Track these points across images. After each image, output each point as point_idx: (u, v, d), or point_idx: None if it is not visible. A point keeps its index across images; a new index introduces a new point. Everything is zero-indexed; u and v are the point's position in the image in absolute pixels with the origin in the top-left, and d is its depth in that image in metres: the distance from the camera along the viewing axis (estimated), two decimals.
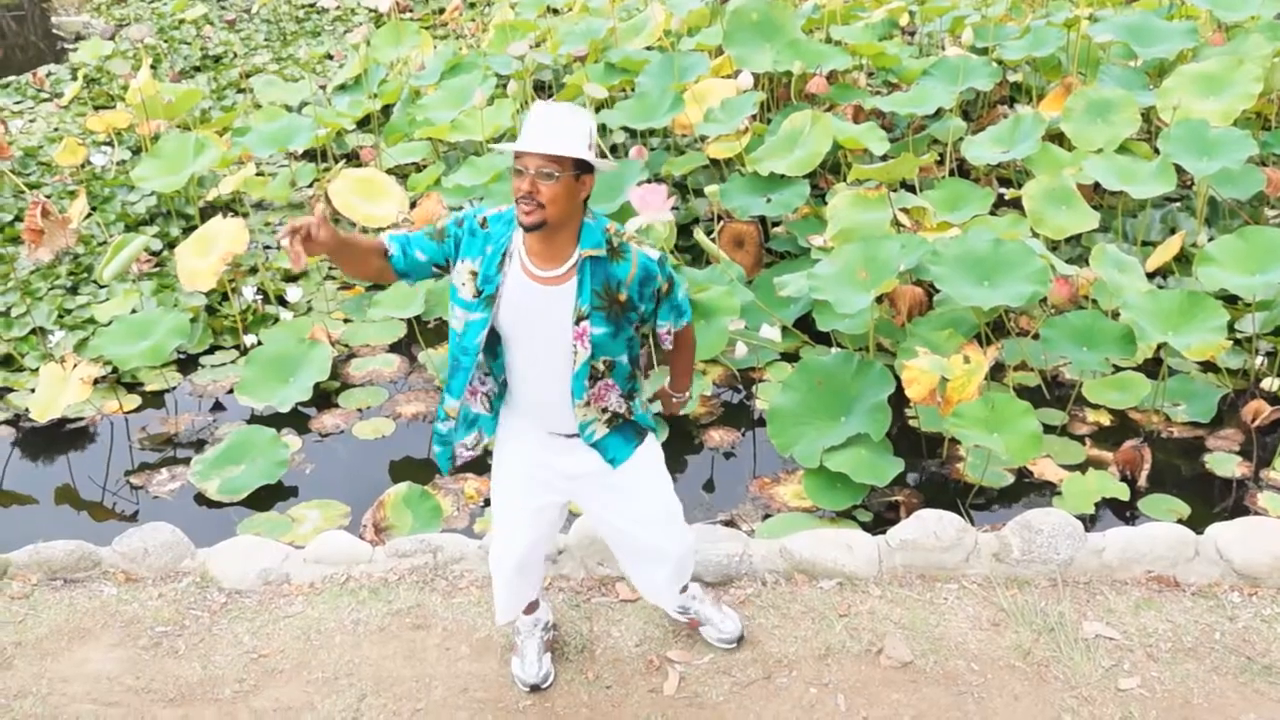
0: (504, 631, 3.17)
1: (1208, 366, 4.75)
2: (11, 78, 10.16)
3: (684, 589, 3.06)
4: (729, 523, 3.85)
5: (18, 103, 9.47)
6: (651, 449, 2.76)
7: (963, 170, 6.22)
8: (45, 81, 9.95)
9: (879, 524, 3.84)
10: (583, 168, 2.35)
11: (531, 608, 3.02)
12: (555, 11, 9.19)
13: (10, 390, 5.02)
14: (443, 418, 2.67)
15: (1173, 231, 5.59)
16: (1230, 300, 4.94)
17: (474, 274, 2.46)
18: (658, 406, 3.16)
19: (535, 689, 2.95)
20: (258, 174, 7.09)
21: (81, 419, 4.80)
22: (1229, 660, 3.01)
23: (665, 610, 3.15)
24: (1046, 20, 6.73)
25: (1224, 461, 4.19)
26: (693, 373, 2.95)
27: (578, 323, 2.45)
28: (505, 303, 2.46)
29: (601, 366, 2.53)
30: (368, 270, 2.52)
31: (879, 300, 4.73)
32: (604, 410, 2.59)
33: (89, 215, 6.40)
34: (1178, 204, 5.88)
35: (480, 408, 2.65)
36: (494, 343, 2.53)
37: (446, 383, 2.63)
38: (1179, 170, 5.33)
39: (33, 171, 7.35)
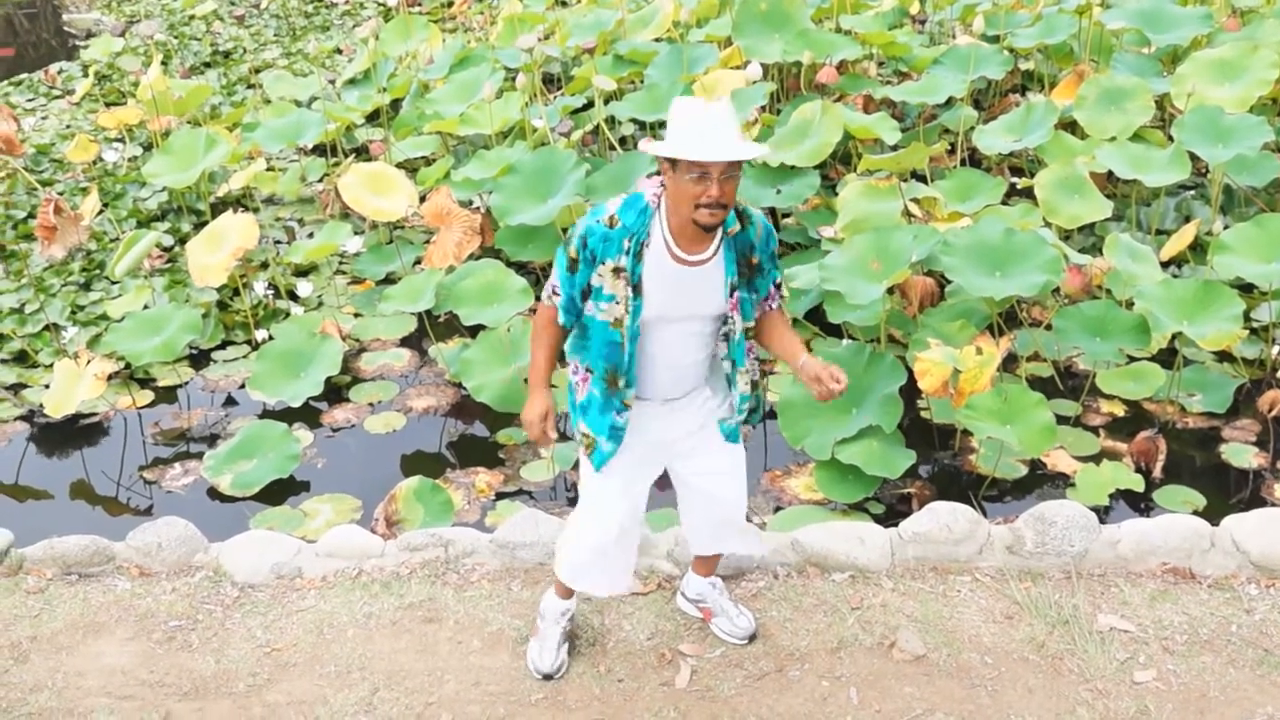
0: (515, 625, 3.18)
1: (1223, 356, 4.71)
2: (24, 75, 10.21)
3: (709, 575, 3.13)
4: None
5: (30, 100, 9.51)
6: None
7: (974, 160, 6.17)
8: (57, 79, 10.00)
9: (891, 516, 3.83)
10: None
11: (569, 594, 3.03)
12: (564, 4, 9.17)
13: (25, 386, 5.05)
14: (619, 410, 2.67)
15: (1187, 220, 5.54)
16: (1246, 289, 4.90)
17: (616, 270, 2.50)
18: None
19: (548, 678, 2.97)
20: (268, 169, 7.10)
21: (95, 414, 4.82)
22: (1246, 653, 2.99)
23: (681, 600, 3.20)
24: (1058, 7, 6.68)
25: (1240, 452, 4.16)
26: None
27: (731, 294, 2.59)
28: (652, 289, 2.52)
29: (745, 331, 2.68)
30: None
31: (890, 291, 4.70)
32: (747, 370, 2.76)
33: (101, 212, 6.43)
34: (1192, 192, 5.83)
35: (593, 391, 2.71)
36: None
37: (611, 385, 2.63)
38: (1193, 158, 5.28)
39: (45, 168, 7.39)
